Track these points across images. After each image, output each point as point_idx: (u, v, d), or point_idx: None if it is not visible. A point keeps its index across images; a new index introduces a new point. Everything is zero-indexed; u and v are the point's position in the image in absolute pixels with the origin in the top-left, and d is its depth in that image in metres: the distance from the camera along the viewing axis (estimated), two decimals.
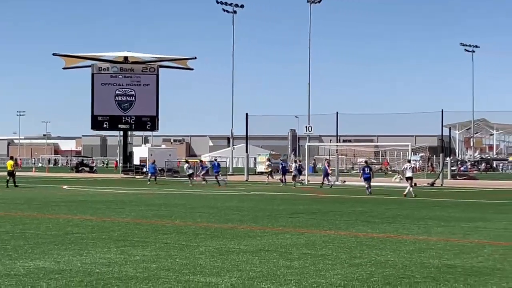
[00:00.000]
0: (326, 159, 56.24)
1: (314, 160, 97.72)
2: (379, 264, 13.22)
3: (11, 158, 50.98)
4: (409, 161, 42.51)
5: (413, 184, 38.75)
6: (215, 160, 59.66)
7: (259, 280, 11.44)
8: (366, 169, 40.87)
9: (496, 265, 13.23)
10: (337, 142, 77.57)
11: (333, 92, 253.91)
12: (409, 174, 38.33)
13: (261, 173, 73.36)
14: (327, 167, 49.92)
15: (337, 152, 73.97)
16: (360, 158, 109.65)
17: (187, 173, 52.83)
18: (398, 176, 55.42)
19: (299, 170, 53.99)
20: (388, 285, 11.16)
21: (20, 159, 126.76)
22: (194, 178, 53.07)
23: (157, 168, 58.11)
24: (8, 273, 11.97)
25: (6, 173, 47.71)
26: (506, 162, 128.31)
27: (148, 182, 52.84)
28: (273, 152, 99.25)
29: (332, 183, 49.24)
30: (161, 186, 49.25)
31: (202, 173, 55.00)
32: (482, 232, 19.09)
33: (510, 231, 19.58)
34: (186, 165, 54.62)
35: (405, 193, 37.23)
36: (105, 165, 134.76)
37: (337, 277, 11.79)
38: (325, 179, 49.05)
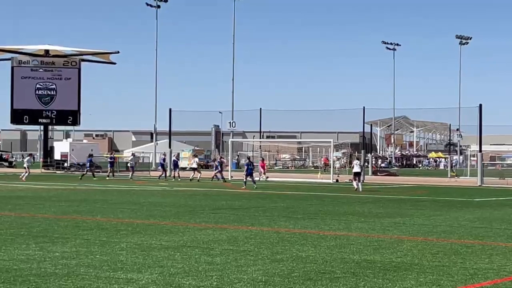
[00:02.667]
0: (220, 156, 59.76)
1: (238, 156, 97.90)
2: (300, 259, 13.32)
3: None
4: (357, 158, 45.91)
5: (361, 180, 41.15)
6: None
7: (181, 276, 11.40)
8: (249, 165, 43.79)
9: (414, 260, 13.48)
10: (260, 138, 77.87)
11: (257, 89, 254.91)
12: (357, 169, 40.50)
13: (184, 168, 73.25)
14: (218, 163, 53.76)
15: (260, 148, 74.28)
16: (283, 154, 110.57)
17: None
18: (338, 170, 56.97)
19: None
20: (309, 280, 11.25)
21: None
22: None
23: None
24: None
25: None
26: (426, 158, 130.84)
27: (80, 177, 52.36)
28: (197, 148, 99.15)
29: (219, 178, 51.91)
30: (82, 181, 48.53)
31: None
32: (401, 228, 19.44)
33: (427, 226, 19.97)
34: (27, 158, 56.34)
35: (355, 189, 39.13)
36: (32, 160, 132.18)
37: (259, 272, 11.83)
38: (218, 174, 52.38)
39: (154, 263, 12.66)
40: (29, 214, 22.24)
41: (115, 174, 56.26)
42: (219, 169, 53.16)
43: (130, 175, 53.39)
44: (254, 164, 46.89)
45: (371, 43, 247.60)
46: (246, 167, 44.17)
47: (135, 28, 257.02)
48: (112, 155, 60.37)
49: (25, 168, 53.23)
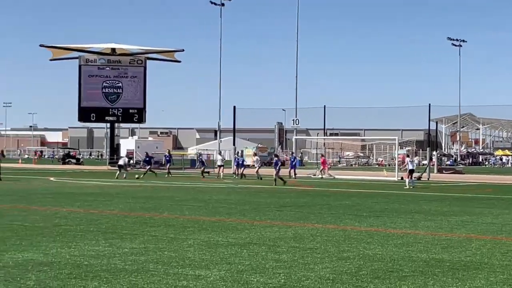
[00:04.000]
0: (292, 152, 60.01)
1: (301, 153, 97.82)
2: (367, 257, 13.26)
3: None
4: (408, 156, 47.35)
5: (413, 177, 41.89)
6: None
7: (248, 273, 11.45)
8: (278, 162, 44.02)
9: (483, 259, 13.29)
10: (324, 135, 77.61)
11: (320, 86, 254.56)
12: (411, 166, 41.43)
13: (248, 166, 73.32)
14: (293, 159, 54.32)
15: (324, 146, 74.05)
16: (347, 152, 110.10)
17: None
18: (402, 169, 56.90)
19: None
20: (377, 278, 11.19)
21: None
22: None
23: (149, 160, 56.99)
24: None
25: None
26: (493, 156, 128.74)
27: (139, 176, 52.27)
28: (260, 145, 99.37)
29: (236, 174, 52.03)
30: (147, 178, 48.96)
31: (168, 165, 55.78)
32: (469, 226, 19.17)
33: (496, 225, 19.66)
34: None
35: (407, 187, 39.90)
36: (97, 157, 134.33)
37: (326, 270, 11.82)
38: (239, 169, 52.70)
39: (222, 260, 12.74)
40: (98, 211, 22.60)
41: (170, 171, 55.69)
42: (294, 166, 54.19)
43: (221, 175, 52.01)
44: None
45: (437, 40, 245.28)
46: (277, 163, 43.37)
47: (199, 26, 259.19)
48: (168, 153, 60.29)
49: (122, 167, 52.10)
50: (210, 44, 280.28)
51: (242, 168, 53.67)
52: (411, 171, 40.96)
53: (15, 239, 15.26)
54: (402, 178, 51.97)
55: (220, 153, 58.43)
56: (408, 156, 46.93)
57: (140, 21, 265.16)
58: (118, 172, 50.51)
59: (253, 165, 55.00)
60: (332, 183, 44.97)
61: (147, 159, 54.87)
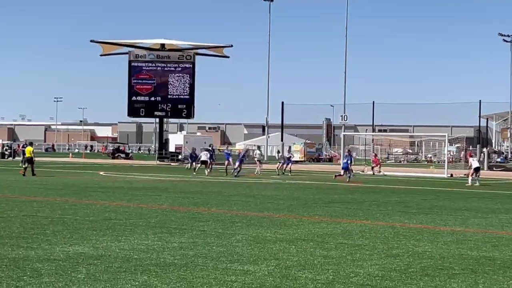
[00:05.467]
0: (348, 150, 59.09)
1: (349, 149, 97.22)
2: (416, 255, 13.17)
3: (30, 144, 46.95)
4: (470, 156, 48.45)
5: (477, 175, 40.76)
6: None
7: (297, 269, 11.45)
8: (345, 158, 44.73)
9: None
10: (372, 131, 77.21)
11: (369, 82, 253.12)
12: (476, 165, 40.95)
13: (296, 161, 73.22)
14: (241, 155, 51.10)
15: (372, 142, 73.69)
16: (395, 148, 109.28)
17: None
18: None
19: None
20: (426, 276, 11.11)
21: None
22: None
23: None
24: (48, 258, 12.10)
25: (23, 160, 43.64)
26: None
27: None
28: (308, 141, 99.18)
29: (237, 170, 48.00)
30: (196, 173, 48.96)
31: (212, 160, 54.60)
32: None
33: None
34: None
35: (468, 184, 39.51)
36: (147, 152, 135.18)
37: (375, 267, 11.76)
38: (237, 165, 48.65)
39: (270, 256, 12.75)
40: (147, 205, 22.77)
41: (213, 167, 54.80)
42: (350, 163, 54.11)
43: (282, 169, 51.50)
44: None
45: (488, 36, 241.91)
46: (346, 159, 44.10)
47: (248, 21, 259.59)
48: (211, 149, 59.47)
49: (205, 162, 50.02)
50: (259, 39, 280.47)
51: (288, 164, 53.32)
52: (477, 169, 40.58)
53: (65, 232, 15.47)
54: (451, 175, 51.52)
55: (259, 148, 57.55)
56: (471, 156, 47.09)
57: (189, 17, 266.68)
58: (197, 166, 49.54)
59: (281, 162, 54.06)
60: (381, 180, 44.73)
61: (194, 155, 54.46)
